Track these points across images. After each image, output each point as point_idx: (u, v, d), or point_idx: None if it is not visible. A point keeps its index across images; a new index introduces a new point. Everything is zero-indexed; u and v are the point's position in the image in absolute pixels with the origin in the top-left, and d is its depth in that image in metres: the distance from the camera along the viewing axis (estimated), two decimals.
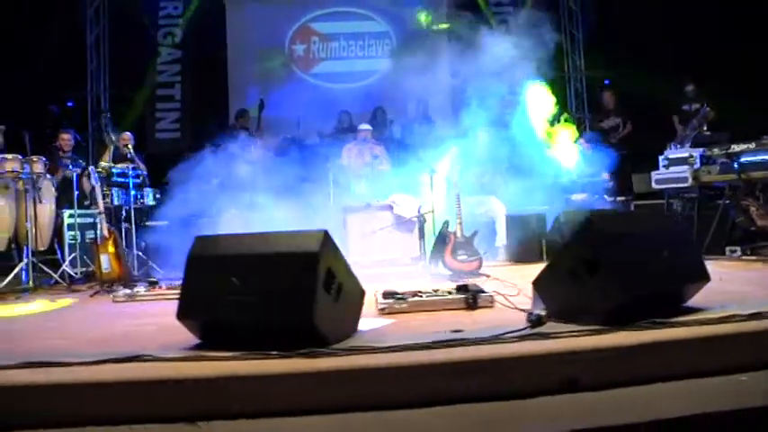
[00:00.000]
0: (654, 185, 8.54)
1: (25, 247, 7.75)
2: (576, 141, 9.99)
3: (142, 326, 4.87)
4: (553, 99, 8.90)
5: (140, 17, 13.49)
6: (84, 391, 3.23)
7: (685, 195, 8.29)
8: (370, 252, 7.05)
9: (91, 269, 8.33)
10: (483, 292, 4.99)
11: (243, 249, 3.94)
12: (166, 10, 13.85)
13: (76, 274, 8.20)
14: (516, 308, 4.67)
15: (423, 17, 12.07)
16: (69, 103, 13.14)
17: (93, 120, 13.20)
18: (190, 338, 3.92)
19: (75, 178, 8.41)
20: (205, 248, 4.01)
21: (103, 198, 8.61)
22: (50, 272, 7.75)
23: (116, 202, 8.71)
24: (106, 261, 7.04)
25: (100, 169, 8.36)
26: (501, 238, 8.65)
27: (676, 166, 8.20)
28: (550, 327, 3.92)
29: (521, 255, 8.11)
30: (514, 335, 3.77)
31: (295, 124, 12.14)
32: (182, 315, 3.89)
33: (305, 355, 3.47)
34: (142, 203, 8.89)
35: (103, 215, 7.23)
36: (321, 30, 13.89)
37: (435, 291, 5.14)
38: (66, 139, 9.33)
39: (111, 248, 7.08)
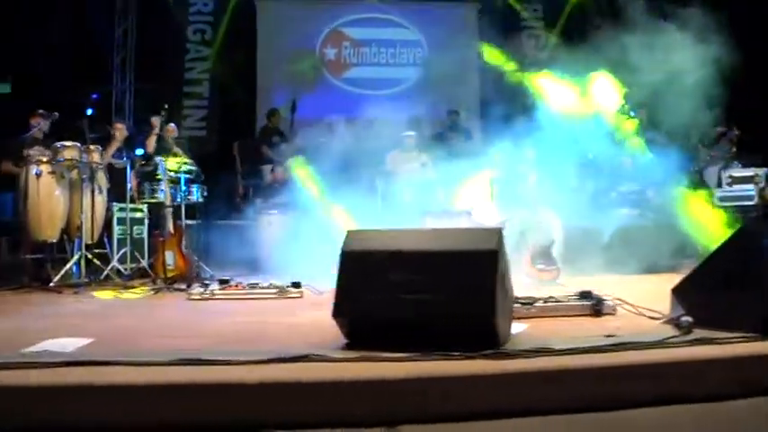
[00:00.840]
0: (717, 203, 8.42)
1: (77, 240, 7.43)
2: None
3: (255, 324, 4.59)
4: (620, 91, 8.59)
5: (169, 11, 13.18)
6: (263, 391, 2.95)
7: (749, 213, 8.18)
8: None
9: (139, 266, 8.02)
10: (604, 299, 4.79)
11: (409, 245, 3.69)
12: (196, 6, 13.57)
13: (126, 270, 7.87)
14: (645, 315, 4.48)
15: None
16: (94, 96, 12.76)
17: (118, 113, 12.84)
18: (332, 337, 3.67)
19: (129, 169, 8.10)
20: (360, 243, 3.76)
21: (152, 193, 8.33)
22: (102, 266, 7.39)
23: (162, 198, 8.38)
24: (171, 258, 6.73)
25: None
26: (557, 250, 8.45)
27: (741, 185, 8.10)
28: (701, 333, 3.74)
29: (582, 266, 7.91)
30: (679, 340, 3.59)
31: (325, 128, 11.86)
32: (337, 312, 3.63)
33: (490, 357, 3.23)
34: (188, 200, 8.56)
35: (170, 210, 6.90)
36: (353, 35, 13.70)
37: (551, 297, 4.92)
38: (121, 128, 8.94)
39: (176, 245, 6.77)
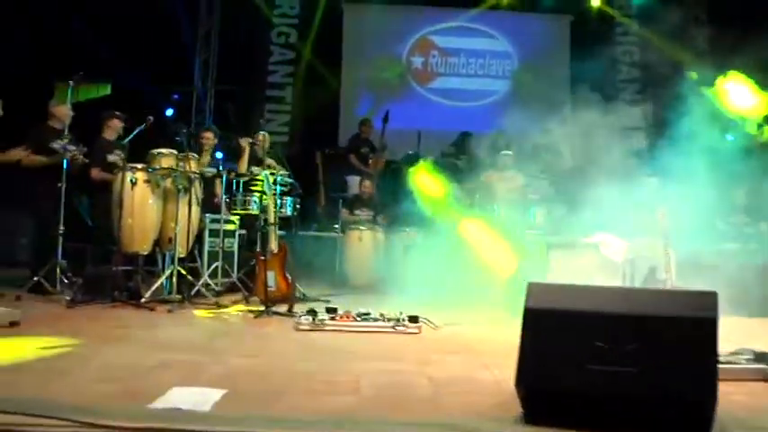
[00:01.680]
0: None
1: (168, 253, 6.94)
2: None
3: (398, 374, 3.99)
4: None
5: (254, 12, 12.74)
6: None
7: None
8: None
9: (229, 280, 7.54)
10: None
11: (609, 306, 3.07)
12: (282, 8, 13.11)
13: (216, 285, 7.38)
14: None
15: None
16: (175, 96, 12.40)
17: (198, 115, 12.43)
18: (499, 404, 3.08)
19: (225, 180, 7.62)
20: (548, 300, 3.15)
21: (244, 204, 7.83)
22: (193, 281, 6.89)
23: (255, 210, 7.87)
24: (272, 278, 6.19)
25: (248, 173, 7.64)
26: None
27: None
28: None
29: None
30: None
31: (413, 138, 11.28)
32: (522, 380, 3.02)
33: None
34: (281, 212, 8.02)
35: (275, 226, 6.36)
36: (441, 44, 13.12)
37: None
38: (209, 137, 8.38)
39: (279, 265, 6.24)
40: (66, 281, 6.91)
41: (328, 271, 10.05)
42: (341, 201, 10.20)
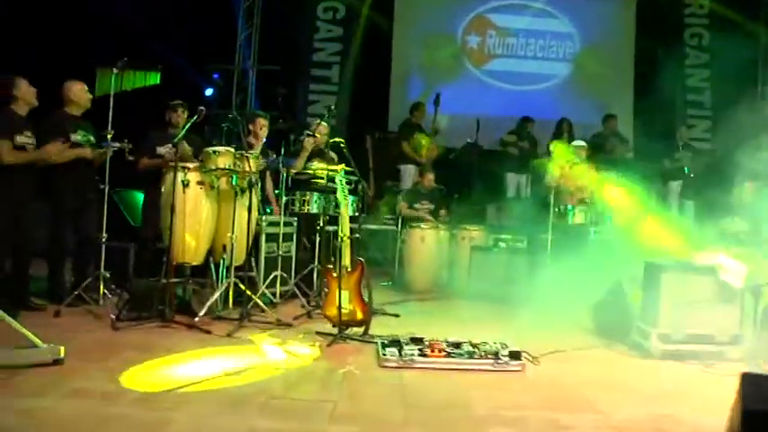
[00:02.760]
0: None
1: (222, 262, 6.07)
2: None
3: None
4: None
5: None
6: None
7: None
8: (682, 324, 5.24)
9: (287, 289, 6.69)
10: None
11: None
12: None
13: (274, 296, 6.53)
14: None
15: None
16: (215, 76, 11.48)
17: (239, 94, 11.50)
18: None
19: (285, 176, 6.76)
20: None
21: (302, 205, 6.95)
22: (252, 295, 6.02)
23: (315, 210, 6.98)
24: (346, 300, 5.30)
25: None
26: None
27: None
28: None
29: None
30: None
31: (469, 125, 10.31)
32: None
33: None
34: (336, 212, 7.10)
35: (351, 241, 5.43)
36: (499, 23, 12.07)
37: None
38: (263, 125, 7.27)
39: (355, 285, 5.35)
40: (109, 294, 6.08)
41: (384, 267, 9.21)
42: (399, 192, 9.33)
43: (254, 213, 6.20)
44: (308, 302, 6.67)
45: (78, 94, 6.26)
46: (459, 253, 8.43)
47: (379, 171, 10.55)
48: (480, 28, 12.00)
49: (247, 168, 5.98)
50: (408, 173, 10.29)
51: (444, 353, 4.78)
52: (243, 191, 5.99)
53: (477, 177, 10.14)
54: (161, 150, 6.59)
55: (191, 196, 5.84)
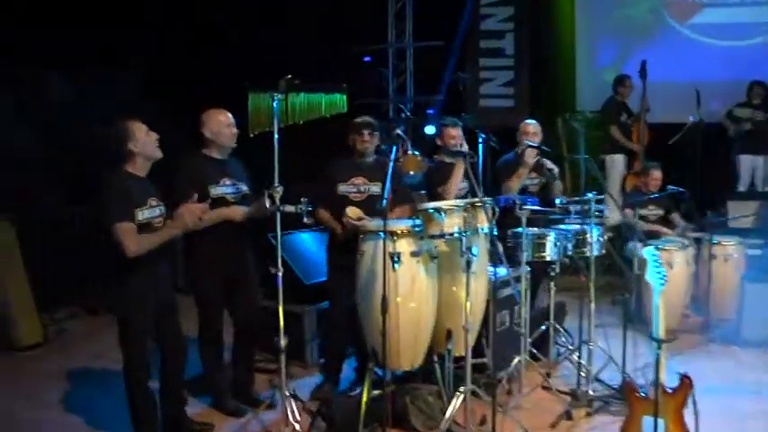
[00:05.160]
0: None
1: (447, 353, 4.08)
2: None
3: None
4: None
5: None
6: None
7: None
8: None
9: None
10: None
11: None
12: None
13: (506, 383, 4.51)
14: None
15: None
16: (366, 59, 9.39)
17: (396, 78, 9.37)
18: None
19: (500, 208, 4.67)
20: None
21: (536, 250, 4.83)
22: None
23: (551, 255, 4.84)
24: (662, 428, 3.20)
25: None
26: None
27: None
28: None
29: None
30: None
31: (683, 95, 7.84)
32: None
33: None
34: (582, 253, 4.91)
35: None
36: None
37: None
38: (456, 135, 5.04)
39: (675, 411, 3.23)
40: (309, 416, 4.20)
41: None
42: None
43: (484, 277, 4.16)
44: (548, 375, 4.66)
45: (218, 129, 4.26)
46: (719, 279, 6.11)
47: (576, 162, 8.24)
48: None
49: (480, 222, 3.91)
50: (616, 164, 8.00)
51: None
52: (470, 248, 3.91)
53: (703, 165, 7.68)
54: (344, 189, 4.57)
55: (404, 276, 3.83)
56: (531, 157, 5.39)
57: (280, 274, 3.90)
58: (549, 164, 5.57)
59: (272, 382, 4.82)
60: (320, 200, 4.47)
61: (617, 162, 7.98)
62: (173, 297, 3.94)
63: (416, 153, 6.87)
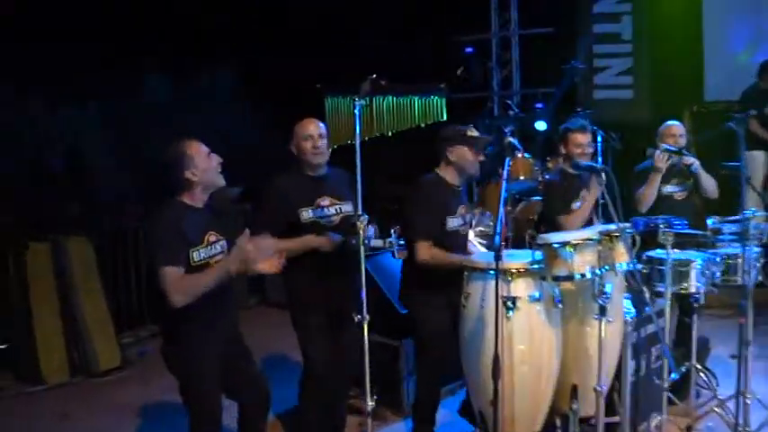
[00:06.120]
0: None
1: (572, 413, 3.20)
2: None
3: None
4: None
5: None
6: None
7: None
8: None
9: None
10: None
11: None
12: None
13: None
14: None
15: None
16: (468, 50, 8.50)
17: (502, 69, 8.46)
18: None
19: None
20: None
21: (678, 280, 3.85)
22: None
23: (697, 285, 3.85)
24: None
25: None
26: None
27: None
28: None
29: None
30: None
31: None
32: None
33: None
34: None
35: None
36: None
37: None
38: (584, 143, 4.10)
39: None
40: None
41: None
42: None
43: (619, 322, 3.26)
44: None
45: (296, 142, 3.55)
46: None
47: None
48: None
49: (619, 257, 3.01)
50: (756, 163, 6.83)
51: None
52: (606, 295, 3.02)
53: None
54: (453, 224, 3.71)
55: (521, 326, 2.99)
56: (662, 161, 4.42)
57: (364, 322, 3.12)
58: (687, 158, 4.58)
59: (362, 426, 4.07)
60: (426, 232, 3.59)
61: (756, 160, 6.81)
62: (241, 342, 3.26)
63: (528, 156, 5.97)
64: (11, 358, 5.44)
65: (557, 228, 3.75)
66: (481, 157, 3.62)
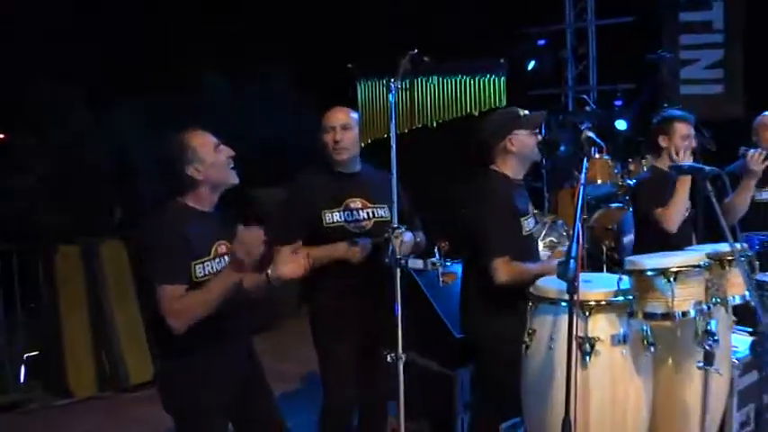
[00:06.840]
0: None
1: None
2: None
3: None
4: None
5: None
6: None
7: None
8: None
9: None
10: None
11: None
12: None
13: None
14: None
15: None
16: (540, 42, 7.76)
17: (578, 63, 7.68)
18: None
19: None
20: None
21: None
22: None
23: None
24: None
25: None
26: None
27: None
28: None
29: None
30: None
31: None
32: None
33: None
34: None
35: None
36: None
37: None
38: (688, 135, 3.45)
39: None
40: None
41: None
42: None
43: (726, 368, 2.53)
44: None
45: (323, 134, 2.99)
46: None
47: None
48: None
49: (732, 288, 2.29)
50: None
51: None
52: (714, 337, 2.29)
53: None
54: (530, 226, 3.05)
55: (601, 374, 2.29)
56: (757, 163, 3.63)
57: (399, 363, 2.47)
58: None
59: None
60: (507, 251, 2.88)
61: None
62: (256, 369, 2.69)
63: (607, 157, 5.23)
64: (40, 368, 5.05)
65: (652, 229, 3.06)
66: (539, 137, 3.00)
